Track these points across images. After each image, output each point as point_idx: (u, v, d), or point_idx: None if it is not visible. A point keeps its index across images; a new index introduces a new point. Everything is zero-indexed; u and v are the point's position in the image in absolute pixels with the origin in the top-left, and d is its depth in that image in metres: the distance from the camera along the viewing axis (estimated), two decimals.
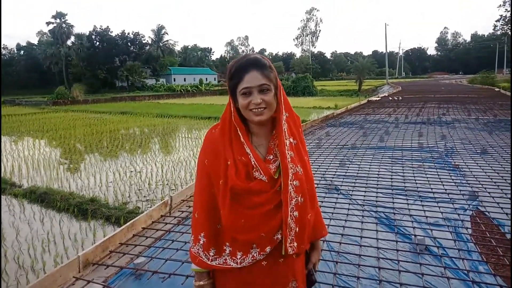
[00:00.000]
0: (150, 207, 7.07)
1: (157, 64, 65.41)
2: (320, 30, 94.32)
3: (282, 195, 1.34)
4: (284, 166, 1.35)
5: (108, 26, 60.69)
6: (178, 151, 12.27)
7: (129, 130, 17.64)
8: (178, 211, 4.17)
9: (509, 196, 4.42)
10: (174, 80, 65.70)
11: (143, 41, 64.81)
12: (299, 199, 1.38)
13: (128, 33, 61.78)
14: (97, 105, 33.87)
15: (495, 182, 4.94)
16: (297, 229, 1.38)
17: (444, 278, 2.72)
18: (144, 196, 7.72)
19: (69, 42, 58.42)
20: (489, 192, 4.55)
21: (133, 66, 55.03)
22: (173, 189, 8.15)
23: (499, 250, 3.16)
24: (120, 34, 60.77)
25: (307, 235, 1.45)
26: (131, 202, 7.39)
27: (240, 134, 1.36)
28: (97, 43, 59.13)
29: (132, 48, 62.31)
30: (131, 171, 9.58)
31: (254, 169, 1.34)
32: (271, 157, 1.38)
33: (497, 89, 28.34)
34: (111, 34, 60.10)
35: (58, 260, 5.11)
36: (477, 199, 4.32)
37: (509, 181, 4.98)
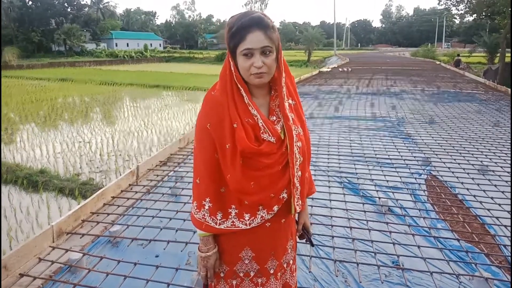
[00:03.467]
0: (105, 178, 6.89)
1: (97, 28, 61.24)
2: None
3: (289, 156, 1.37)
4: (288, 128, 1.37)
5: None
6: (128, 120, 11.86)
7: (72, 99, 16.69)
8: (146, 180, 4.08)
9: (458, 161, 4.80)
10: (116, 45, 61.90)
11: (82, 2, 60.43)
12: (301, 159, 1.42)
13: None
14: (33, 71, 31.48)
15: (444, 149, 5.32)
16: (300, 188, 1.43)
17: (409, 235, 2.95)
18: (97, 167, 7.46)
19: None
20: (440, 158, 4.90)
21: (71, 29, 51.00)
22: (127, 160, 7.92)
23: (453, 209, 3.46)
24: None
25: (305, 193, 1.50)
26: (84, 173, 7.12)
27: (244, 95, 1.33)
28: (30, 2, 53.89)
29: (69, 9, 57.76)
30: (80, 142, 9.18)
31: (262, 131, 1.33)
32: (274, 118, 1.38)
33: (438, 62, 29.98)
34: None
35: (12, 234, 4.87)
36: (430, 165, 4.66)
37: (457, 148, 5.40)
